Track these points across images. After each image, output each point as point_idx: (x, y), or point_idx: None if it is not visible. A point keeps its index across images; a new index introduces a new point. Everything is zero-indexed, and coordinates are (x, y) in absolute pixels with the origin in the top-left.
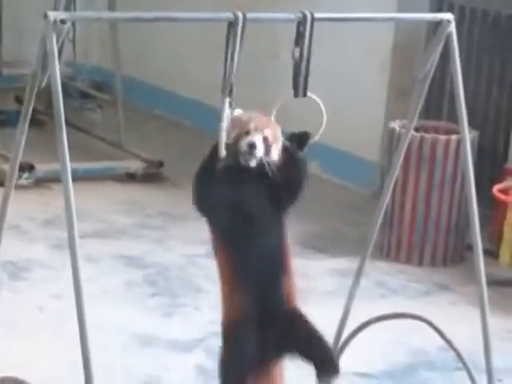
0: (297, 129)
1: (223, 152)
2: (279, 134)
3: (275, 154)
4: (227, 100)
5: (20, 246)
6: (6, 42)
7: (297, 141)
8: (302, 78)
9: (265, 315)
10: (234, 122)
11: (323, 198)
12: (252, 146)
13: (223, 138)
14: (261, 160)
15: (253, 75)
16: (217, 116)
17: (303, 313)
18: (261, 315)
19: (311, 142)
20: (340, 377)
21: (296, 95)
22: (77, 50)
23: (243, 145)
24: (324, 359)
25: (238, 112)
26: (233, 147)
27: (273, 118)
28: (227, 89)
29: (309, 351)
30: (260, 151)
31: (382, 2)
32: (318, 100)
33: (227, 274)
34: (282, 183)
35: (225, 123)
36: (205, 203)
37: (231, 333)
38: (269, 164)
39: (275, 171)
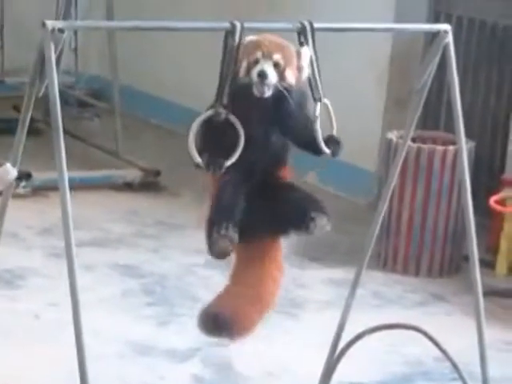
0: None
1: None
2: (292, 53)
3: (291, 77)
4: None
5: (17, 254)
6: (8, 50)
7: (331, 145)
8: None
9: (254, 184)
10: (242, 50)
11: None
12: (262, 75)
13: (193, 147)
14: (276, 87)
15: None
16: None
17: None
18: (250, 185)
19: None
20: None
21: (314, 101)
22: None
23: (253, 75)
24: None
25: (248, 38)
26: (245, 79)
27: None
28: (221, 99)
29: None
30: (272, 79)
31: (380, 12)
32: (330, 107)
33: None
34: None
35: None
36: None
37: (219, 189)
38: (286, 89)
39: (293, 93)
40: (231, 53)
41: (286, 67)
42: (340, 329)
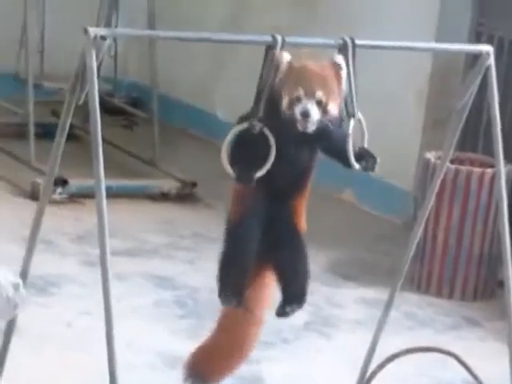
0: None
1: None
2: (333, 83)
3: (334, 109)
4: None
5: (51, 260)
6: (48, 55)
7: (365, 158)
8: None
9: (270, 221)
10: (282, 79)
11: (354, 226)
12: (305, 115)
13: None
14: (320, 122)
15: None
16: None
17: (304, 243)
18: (266, 219)
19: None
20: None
21: (348, 116)
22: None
23: (296, 113)
24: (296, 292)
25: (285, 57)
26: (287, 113)
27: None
28: (257, 112)
29: (290, 272)
30: (315, 117)
31: (421, 30)
32: (364, 123)
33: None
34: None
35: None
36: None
37: (235, 227)
38: (330, 122)
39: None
40: (270, 67)
41: (328, 102)
42: (371, 350)
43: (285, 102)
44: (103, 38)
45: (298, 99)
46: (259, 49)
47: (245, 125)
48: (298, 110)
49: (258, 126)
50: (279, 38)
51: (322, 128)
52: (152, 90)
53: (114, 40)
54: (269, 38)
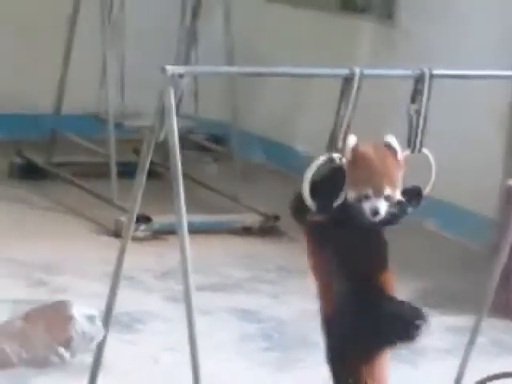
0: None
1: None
2: (398, 172)
3: (398, 194)
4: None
5: (135, 297)
6: (128, 94)
7: (410, 196)
8: (419, 135)
9: (362, 304)
10: (352, 173)
11: (436, 253)
12: (376, 214)
13: (307, 192)
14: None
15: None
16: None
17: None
18: (358, 306)
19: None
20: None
21: (412, 151)
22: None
23: (366, 209)
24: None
25: (352, 142)
26: (356, 206)
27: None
28: (335, 144)
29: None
30: (384, 211)
31: (500, 57)
32: (431, 156)
33: (323, 271)
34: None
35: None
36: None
37: (330, 325)
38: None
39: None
40: (348, 99)
41: (395, 194)
42: (460, 376)
43: (352, 195)
44: (181, 76)
45: (367, 197)
46: (338, 81)
47: (323, 158)
48: (367, 207)
49: (337, 158)
50: (357, 71)
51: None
52: (232, 126)
53: (194, 77)
54: (346, 71)
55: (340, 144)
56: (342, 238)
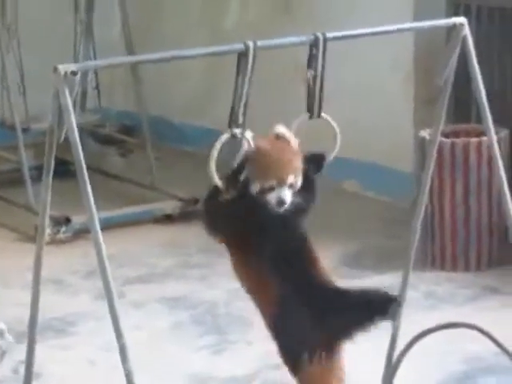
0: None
1: (218, 181)
2: (300, 164)
3: (298, 184)
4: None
5: (65, 300)
6: (31, 97)
7: (314, 163)
8: (316, 100)
9: (302, 296)
10: (254, 167)
11: (362, 215)
12: (282, 203)
13: (214, 171)
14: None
15: (270, 100)
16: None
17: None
18: (298, 298)
19: (327, 163)
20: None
21: (311, 117)
22: (102, 95)
23: (271, 200)
24: (375, 299)
25: (250, 137)
26: (260, 198)
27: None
28: (235, 120)
29: (358, 306)
30: (289, 199)
31: (398, 10)
32: (332, 121)
33: (254, 280)
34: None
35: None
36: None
37: (276, 325)
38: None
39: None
40: (245, 74)
41: (297, 179)
42: (394, 335)
43: (256, 188)
44: (74, 73)
45: (271, 188)
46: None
47: (226, 135)
48: (272, 198)
49: (239, 133)
50: (251, 44)
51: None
52: (141, 114)
53: (95, 71)
54: (240, 46)
55: (240, 120)
56: (265, 242)
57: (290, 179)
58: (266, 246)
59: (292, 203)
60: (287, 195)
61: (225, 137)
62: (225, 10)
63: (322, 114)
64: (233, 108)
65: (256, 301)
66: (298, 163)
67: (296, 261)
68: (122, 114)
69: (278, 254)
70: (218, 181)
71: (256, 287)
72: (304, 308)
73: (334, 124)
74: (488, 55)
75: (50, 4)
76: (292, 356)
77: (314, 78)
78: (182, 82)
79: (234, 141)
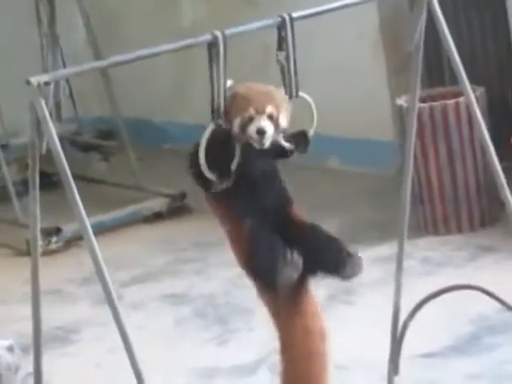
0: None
1: (210, 174)
2: (280, 96)
3: (284, 121)
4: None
5: (64, 309)
6: (6, 112)
7: (296, 141)
8: (292, 80)
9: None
10: (233, 107)
11: (349, 190)
12: (261, 132)
13: (204, 163)
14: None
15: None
16: None
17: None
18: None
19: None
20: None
21: (290, 97)
22: (77, 104)
23: (252, 133)
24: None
25: (229, 84)
26: (242, 136)
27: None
28: (218, 111)
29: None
30: (270, 131)
31: None
32: (310, 99)
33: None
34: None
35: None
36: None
37: (254, 235)
38: (281, 134)
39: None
40: (218, 63)
41: (279, 114)
42: (397, 304)
43: (236, 124)
44: (47, 83)
45: (251, 119)
46: None
47: (211, 127)
48: (252, 130)
49: (223, 124)
50: (219, 34)
51: (275, 141)
52: (116, 118)
53: (67, 81)
54: (209, 37)
55: (222, 109)
56: (245, 191)
57: (269, 109)
58: (243, 181)
59: (275, 143)
60: (267, 125)
61: (210, 128)
62: (188, 8)
63: (300, 93)
64: (213, 99)
65: (231, 241)
66: (279, 96)
67: (272, 200)
68: (98, 119)
69: (255, 193)
70: (209, 173)
71: (230, 224)
72: (276, 235)
73: (310, 100)
74: (454, 14)
75: (13, 19)
76: (267, 275)
77: (287, 59)
78: (154, 81)
79: None
